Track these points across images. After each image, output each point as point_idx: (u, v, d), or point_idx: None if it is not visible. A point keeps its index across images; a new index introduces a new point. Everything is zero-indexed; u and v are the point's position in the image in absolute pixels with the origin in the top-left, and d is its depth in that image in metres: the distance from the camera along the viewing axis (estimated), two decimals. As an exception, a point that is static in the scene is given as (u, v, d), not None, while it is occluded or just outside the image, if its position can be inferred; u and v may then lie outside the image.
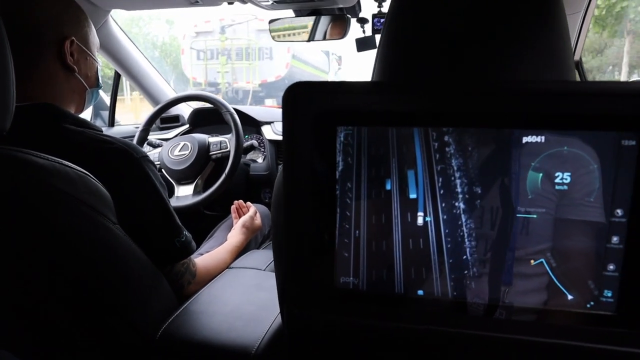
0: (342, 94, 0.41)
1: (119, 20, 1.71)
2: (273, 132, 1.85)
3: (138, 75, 1.87)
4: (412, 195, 0.41)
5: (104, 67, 1.20)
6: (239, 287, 0.99)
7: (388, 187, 0.41)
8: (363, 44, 1.59)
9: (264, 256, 1.20)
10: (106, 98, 2.06)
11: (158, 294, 0.87)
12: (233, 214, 1.51)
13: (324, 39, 1.65)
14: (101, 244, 0.74)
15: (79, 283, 0.73)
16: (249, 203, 1.54)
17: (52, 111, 0.84)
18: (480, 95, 0.39)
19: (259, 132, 1.90)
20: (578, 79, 1.47)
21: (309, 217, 0.43)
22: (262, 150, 1.89)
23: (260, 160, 1.92)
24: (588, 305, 0.41)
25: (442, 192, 0.41)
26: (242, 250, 1.29)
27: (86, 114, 2.04)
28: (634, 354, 0.40)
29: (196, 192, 1.55)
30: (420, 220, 0.41)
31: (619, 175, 0.38)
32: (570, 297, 0.41)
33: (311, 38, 1.65)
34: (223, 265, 1.12)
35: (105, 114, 2.05)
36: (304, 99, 0.41)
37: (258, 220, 1.43)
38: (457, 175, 0.40)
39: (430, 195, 0.41)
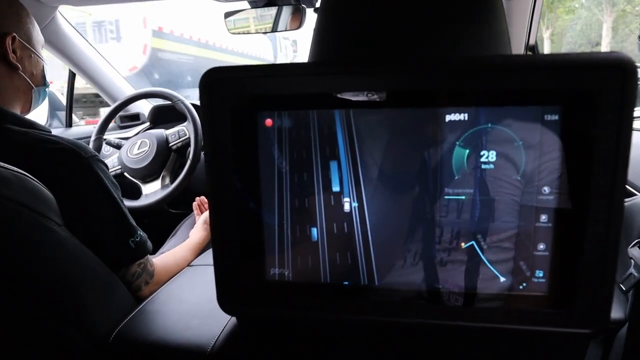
0: (261, 77, 0.39)
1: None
2: None
3: (92, 73, 1.81)
4: (335, 181, 0.40)
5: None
6: (197, 285, 0.97)
7: (312, 173, 0.40)
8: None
9: None
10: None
11: (112, 296, 0.85)
12: (195, 211, 1.48)
13: (286, 29, 1.63)
14: (45, 246, 0.71)
15: (21, 287, 0.70)
16: (211, 199, 1.51)
17: None
18: (400, 72, 0.38)
19: None
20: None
21: (234, 210, 0.42)
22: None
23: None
24: (520, 287, 0.40)
25: (366, 176, 0.40)
26: (204, 247, 1.27)
27: (42, 115, 1.97)
28: (567, 333, 0.39)
29: (164, 185, 1.54)
30: (347, 207, 0.40)
31: (544, 151, 0.37)
32: (502, 279, 0.40)
33: (274, 29, 1.63)
34: (183, 263, 1.10)
35: (62, 114, 1.99)
36: (221, 85, 0.40)
37: (220, 216, 1.41)
38: (380, 158, 0.39)
39: (353, 180, 0.40)
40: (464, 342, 0.42)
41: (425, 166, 0.39)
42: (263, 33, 1.63)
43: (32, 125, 0.85)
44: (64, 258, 0.74)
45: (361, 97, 0.38)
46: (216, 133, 0.41)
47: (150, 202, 1.46)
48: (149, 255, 0.96)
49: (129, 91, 1.94)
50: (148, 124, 1.94)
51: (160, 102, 1.93)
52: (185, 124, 1.60)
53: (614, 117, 0.36)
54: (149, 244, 0.95)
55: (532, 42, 1.39)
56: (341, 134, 0.39)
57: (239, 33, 1.65)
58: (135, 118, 1.97)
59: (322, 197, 0.41)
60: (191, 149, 1.50)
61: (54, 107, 2.05)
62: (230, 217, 0.42)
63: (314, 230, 0.41)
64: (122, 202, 0.90)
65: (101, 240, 0.84)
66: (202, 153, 1.53)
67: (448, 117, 0.38)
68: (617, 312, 0.61)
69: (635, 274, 0.53)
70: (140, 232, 0.93)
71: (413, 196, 0.40)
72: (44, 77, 0.95)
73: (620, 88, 0.35)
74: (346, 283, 0.42)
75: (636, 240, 0.56)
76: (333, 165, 0.40)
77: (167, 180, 1.56)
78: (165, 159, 1.56)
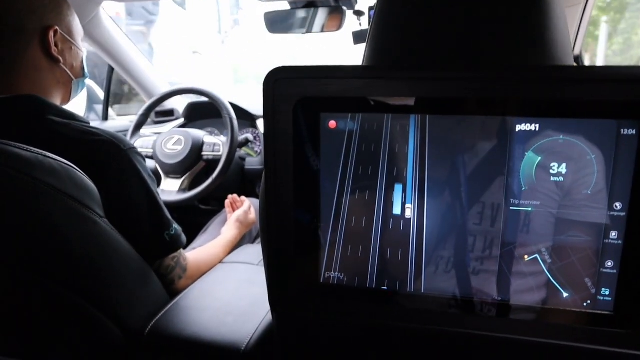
0: (327, 78, 0.39)
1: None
2: None
3: (131, 68, 1.84)
4: (399, 188, 0.39)
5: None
6: (230, 282, 0.98)
7: (375, 177, 0.40)
8: (359, 37, 1.57)
9: (257, 251, 1.19)
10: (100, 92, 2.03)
11: (147, 289, 0.86)
12: (227, 209, 1.49)
13: (322, 30, 1.63)
14: (86, 238, 0.72)
15: (63, 278, 0.71)
16: (243, 197, 1.52)
17: (37, 103, 0.83)
18: (474, 80, 0.37)
19: (254, 126, 1.88)
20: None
21: (291, 211, 0.41)
22: (258, 144, 1.87)
23: (255, 154, 1.90)
24: (585, 304, 0.39)
25: (431, 183, 0.39)
26: (236, 244, 1.28)
27: (80, 108, 2.01)
28: (632, 355, 0.38)
29: (181, 189, 1.55)
30: (407, 213, 0.40)
31: (617, 166, 0.36)
32: (566, 295, 0.39)
33: (309, 30, 1.63)
34: (216, 260, 1.11)
35: (100, 107, 2.03)
36: (285, 85, 0.39)
37: (252, 215, 1.42)
38: (447, 166, 0.38)
39: (418, 187, 0.39)
40: (520, 356, 0.41)
41: (492, 176, 0.38)
42: (300, 33, 1.64)
43: (73, 117, 0.87)
44: (104, 249, 0.76)
45: (435, 105, 0.38)
46: (277, 131, 0.40)
47: (163, 200, 1.49)
48: (182, 250, 0.96)
49: (165, 87, 1.97)
50: (182, 119, 1.96)
51: (194, 98, 1.95)
52: (224, 139, 1.60)
53: None
54: (184, 237, 0.96)
55: (576, 51, 1.36)
56: (412, 141, 0.39)
57: (277, 33, 1.66)
58: (169, 114, 2.00)
59: (383, 202, 0.40)
60: (218, 169, 1.50)
61: (91, 101, 2.09)
62: (286, 218, 0.42)
63: (372, 236, 0.41)
64: (159, 195, 0.91)
65: (138, 232, 0.85)
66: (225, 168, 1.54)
67: (519, 127, 0.37)
68: None
69: None
70: (175, 226, 0.94)
71: (478, 206, 0.39)
72: (83, 68, 0.96)
73: None
74: (399, 290, 0.41)
75: None
76: (400, 172, 0.39)
77: (185, 185, 1.57)
78: (192, 164, 1.57)
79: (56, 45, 0.86)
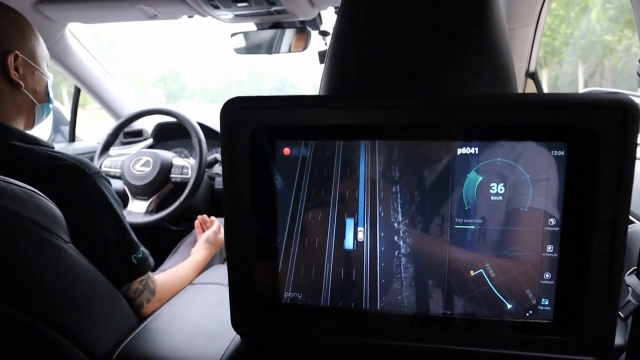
0: (280, 108, 0.41)
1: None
2: None
3: (98, 89, 1.83)
4: (352, 211, 0.42)
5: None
6: (200, 303, 0.97)
7: (328, 202, 0.42)
8: (325, 57, 1.61)
9: (227, 271, 1.19)
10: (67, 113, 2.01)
11: (115, 313, 0.85)
12: (197, 229, 1.49)
13: (289, 51, 1.65)
14: (52, 263, 0.72)
15: (27, 305, 0.70)
16: (213, 217, 1.52)
17: None
18: (418, 108, 0.40)
19: None
20: (534, 89, 1.52)
21: (250, 233, 0.43)
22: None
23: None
24: (527, 314, 0.42)
25: (382, 206, 0.41)
26: (206, 265, 1.27)
27: (46, 130, 1.98)
28: None
29: (148, 210, 1.54)
30: (360, 236, 0.42)
31: (550, 185, 0.39)
32: (510, 306, 0.42)
33: (275, 50, 1.66)
34: (185, 281, 1.10)
35: (66, 129, 2.00)
36: (241, 114, 0.41)
37: (222, 235, 1.42)
38: (396, 189, 0.41)
39: (369, 209, 0.41)
40: None
41: (438, 196, 0.41)
42: (267, 54, 1.66)
43: (37, 141, 0.86)
44: (70, 275, 0.75)
45: (381, 131, 0.40)
46: (235, 159, 0.42)
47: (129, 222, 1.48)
48: (150, 272, 0.96)
49: (133, 108, 1.96)
50: (151, 140, 1.96)
51: (163, 119, 1.94)
52: (192, 162, 1.60)
53: (617, 155, 0.38)
54: (151, 260, 0.96)
55: (532, 69, 1.42)
56: (363, 166, 0.41)
57: (243, 54, 1.68)
58: (138, 134, 1.98)
59: (336, 225, 0.42)
60: (184, 194, 1.50)
61: (58, 122, 2.06)
62: (246, 241, 0.44)
63: (327, 257, 0.42)
64: (125, 218, 0.90)
65: (105, 256, 0.84)
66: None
67: (460, 150, 0.40)
68: (616, 339, 0.62)
69: (633, 301, 0.54)
70: (143, 249, 0.93)
71: (425, 225, 0.41)
72: (47, 93, 0.95)
73: (622, 127, 0.37)
74: (355, 308, 0.43)
75: (633, 268, 0.57)
76: (352, 196, 0.42)
77: (153, 207, 1.56)
78: (160, 186, 1.57)
79: (17, 70, 0.85)
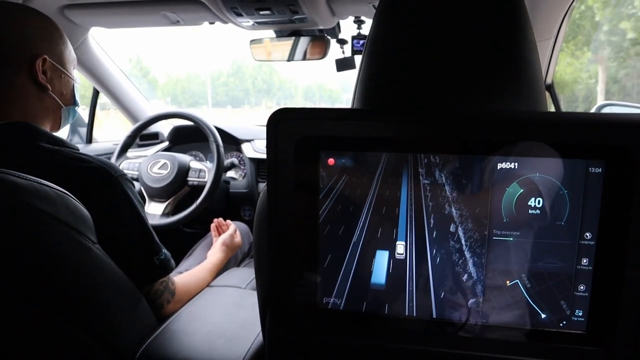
0: (324, 120, 0.43)
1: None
2: (253, 149, 1.86)
3: (116, 92, 1.86)
4: (394, 221, 0.43)
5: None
6: (219, 306, 0.99)
7: (369, 212, 0.43)
8: (342, 64, 1.62)
9: (244, 274, 1.20)
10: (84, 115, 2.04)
11: (137, 313, 0.86)
12: (213, 232, 1.50)
13: (304, 58, 1.67)
14: (81, 264, 0.73)
15: (56, 304, 0.72)
16: (228, 221, 1.54)
17: (27, 130, 0.83)
18: (463, 123, 0.41)
19: (239, 150, 1.90)
20: (550, 102, 1.53)
21: (293, 239, 0.44)
22: (242, 167, 1.90)
23: (240, 178, 1.92)
24: (561, 325, 0.43)
25: (422, 218, 0.42)
26: (222, 268, 1.29)
27: (63, 131, 2.01)
28: None
29: (164, 213, 1.55)
30: (399, 249, 0.43)
31: (587, 200, 0.40)
32: (544, 316, 0.43)
33: (291, 58, 1.68)
34: (203, 284, 1.12)
35: (83, 130, 2.03)
36: (287, 125, 0.43)
37: (238, 238, 1.43)
38: (437, 201, 0.42)
39: (412, 219, 0.43)
40: None
41: (476, 208, 0.42)
42: (286, 61, 1.68)
43: (63, 143, 0.88)
44: (97, 275, 0.76)
45: (425, 144, 0.42)
46: (280, 168, 0.44)
47: None
48: (170, 274, 0.98)
49: (150, 111, 1.98)
50: (167, 143, 1.98)
51: (179, 122, 1.97)
52: (209, 165, 1.61)
53: None
54: (172, 262, 0.97)
55: (549, 81, 1.43)
56: (406, 178, 0.42)
57: (262, 60, 1.70)
58: (154, 137, 2.01)
59: (379, 235, 0.43)
60: (201, 197, 1.51)
61: (75, 124, 2.09)
62: (288, 247, 0.45)
63: (366, 265, 0.44)
64: (148, 220, 0.92)
65: (128, 257, 0.86)
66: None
67: (500, 165, 0.41)
68: None
69: None
70: (164, 251, 0.95)
71: (465, 237, 0.42)
72: (74, 96, 0.97)
73: None
74: (401, 313, 0.44)
75: None
76: (392, 206, 0.43)
77: (169, 209, 1.58)
78: (177, 189, 1.58)
79: (44, 74, 0.87)
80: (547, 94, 1.46)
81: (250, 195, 1.84)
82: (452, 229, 0.43)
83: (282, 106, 0.47)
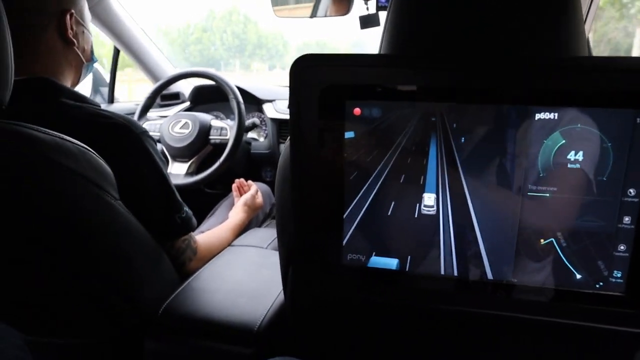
0: (352, 67, 0.40)
1: None
2: (275, 110, 1.83)
3: (137, 51, 1.84)
4: (422, 174, 0.41)
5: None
6: (241, 265, 0.99)
7: (397, 165, 0.41)
8: (367, 21, 1.57)
9: (265, 234, 1.20)
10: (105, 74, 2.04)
11: (159, 270, 0.87)
12: (234, 192, 1.50)
13: (326, 15, 1.62)
14: (103, 219, 0.74)
15: (79, 258, 0.73)
16: (250, 182, 1.54)
17: (50, 85, 0.84)
18: (499, 70, 0.38)
19: (261, 110, 1.88)
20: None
21: (317, 194, 0.43)
22: (264, 128, 1.88)
23: (261, 138, 1.90)
24: (597, 286, 0.40)
25: (453, 171, 0.40)
26: (244, 228, 1.29)
27: (85, 91, 2.01)
28: None
29: (188, 172, 1.56)
30: (429, 201, 0.41)
31: (632, 154, 0.37)
32: (579, 276, 0.40)
33: (313, 14, 1.63)
34: (225, 243, 1.13)
35: (105, 90, 2.03)
36: (311, 72, 0.40)
37: (259, 199, 1.43)
38: (469, 153, 0.40)
39: (441, 174, 0.40)
40: (533, 336, 0.43)
41: (512, 162, 0.39)
42: (309, 17, 1.63)
43: (85, 99, 0.88)
44: (119, 231, 0.77)
45: (457, 93, 0.39)
46: (303, 117, 0.41)
47: None
48: (192, 232, 0.98)
49: (171, 71, 1.97)
50: (188, 103, 1.97)
51: (200, 82, 1.95)
52: (230, 123, 1.59)
53: None
54: (194, 220, 0.98)
55: (586, 35, 1.36)
56: (435, 128, 0.40)
57: (282, 16, 1.65)
58: (175, 97, 2.00)
59: (407, 189, 0.41)
60: (225, 154, 1.50)
61: (97, 84, 2.09)
62: (312, 202, 0.43)
63: (397, 221, 0.42)
64: (170, 178, 0.92)
65: (150, 214, 0.86)
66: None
67: (538, 115, 0.38)
68: None
69: None
70: (186, 209, 0.95)
71: (497, 191, 0.40)
72: (92, 52, 0.97)
73: None
74: (426, 270, 0.43)
75: None
76: (422, 158, 0.41)
77: (192, 169, 1.58)
78: (200, 148, 1.58)
79: (71, 29, 0.87)
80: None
81: (272, 156, 1.83)
82: (484, 183, 0.40)
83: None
